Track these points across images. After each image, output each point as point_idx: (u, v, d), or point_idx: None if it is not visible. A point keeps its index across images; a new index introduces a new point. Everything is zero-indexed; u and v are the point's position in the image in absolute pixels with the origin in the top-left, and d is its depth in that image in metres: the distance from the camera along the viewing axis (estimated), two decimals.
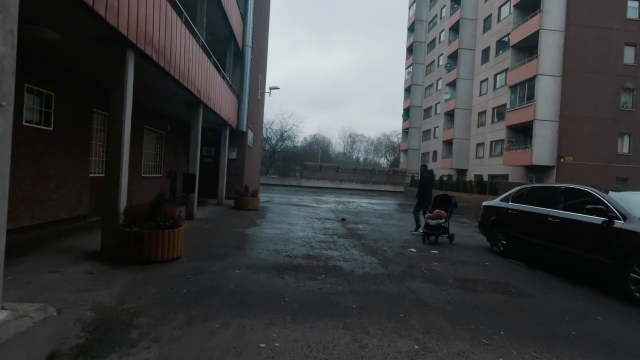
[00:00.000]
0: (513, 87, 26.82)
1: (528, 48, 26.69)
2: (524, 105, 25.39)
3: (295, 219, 10.76)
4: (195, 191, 8.77)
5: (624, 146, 24.78)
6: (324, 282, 4.58)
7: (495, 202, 8.03)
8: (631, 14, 24.55)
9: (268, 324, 3.19)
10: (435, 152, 44.45)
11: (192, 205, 8.76)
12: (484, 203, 8.47)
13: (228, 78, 12.61)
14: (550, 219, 6.03)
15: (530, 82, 25.04)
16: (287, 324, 3.23)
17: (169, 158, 12.28)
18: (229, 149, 14.44)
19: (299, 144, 59.59)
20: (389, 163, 75.98)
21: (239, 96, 13.97)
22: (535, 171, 26.04)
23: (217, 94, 10.45)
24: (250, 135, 15.55)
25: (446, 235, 8.33)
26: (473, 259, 6.69)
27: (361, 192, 35.20)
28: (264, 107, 22.98)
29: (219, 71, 10.62)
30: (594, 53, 24.21)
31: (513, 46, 27.05)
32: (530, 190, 7.11)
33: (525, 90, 25.49)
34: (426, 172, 9.91)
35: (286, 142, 48.15)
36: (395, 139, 78.47)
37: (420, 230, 9.01)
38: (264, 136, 47.67)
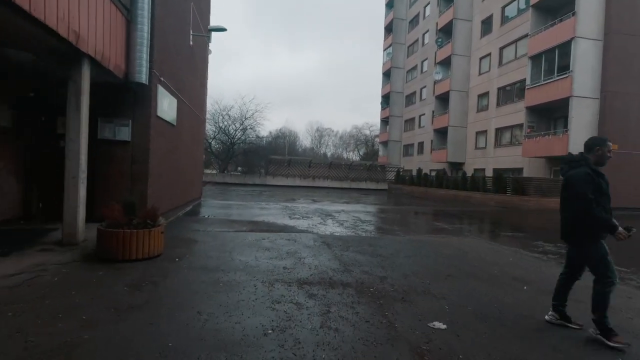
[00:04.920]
0: (535, 57, 21.12)
1: (553, 9, 21.11)
2: (553, 79, 19.72)
3: (245, 332, 3.74)
4: None
5: None
6: None
7: None
8: None
9: None
10: (421, 144, 38.71)
11: None
12: None
13: None
14: None
15: (563, 48, 19.39)
16: None
17: None
18: (113, 122, 7.07)
19: (264, 138, 51.94)
20: (360, 157, 70.26)
21: (129, 12, 6.65)
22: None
23: None
24: (166, 98, 8.24)
25: None
26: None
27: (341, 192, 28.54)
28: (206, 71, 15.56)
29: None
30: None
31: (534, 5, 21.33)
32: None
33: (555, 59, 19.83)
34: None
35: (247, 131, 40.34)
36: (368, 132, 73.13)
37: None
38: (220, 124, 39.75)
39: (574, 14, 18.73)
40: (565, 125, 19.39)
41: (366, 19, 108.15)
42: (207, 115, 41.44)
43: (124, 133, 7.05)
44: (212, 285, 4.28)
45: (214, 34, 13.11)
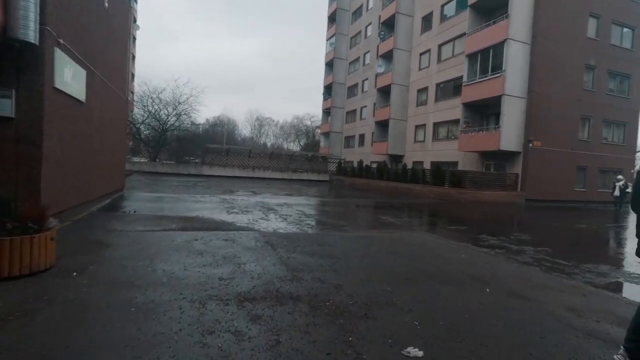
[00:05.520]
0: (472, 56, 22.01)
1: (489, 10, 22.11)
2: (487, 77, 20.71)
3: None
4: None
5: (584, 131, 22.08)
6: None
7: None
8: None
9: None
10: (362, 136, 39.14)
11: None
12: None
13: None
14: None
15: (497, 48, 20.39)
16: None
17: None
18: None
19: (200, 125, 48.66)
20: (301, 147, 69.74)
21: None
22: (494, 158, 21.88)
23: None
24: (70, 67, 6.61)
25: None
26: None
27: (283, 183, 27.60)
28: (129, 44, 13.53)
29: None
30: (564, 19, 20.61)
31: (472, 6, 22.16)
32: None
33: (489, 59, 20.81)
34: None
35: (182, 117, 37.23)
36: (309, 122, 72.90)
37: None
38: (149, 108, 36.24)
39: (507, 17, 19.74)
40: (497, 122, 20.54)
41: (311, 7, 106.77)
42: (135, 97, 37.51)
43: (4, 106, 5.40)
44: (120, 310, 3.20)
45: (149, 9, 11.25)
